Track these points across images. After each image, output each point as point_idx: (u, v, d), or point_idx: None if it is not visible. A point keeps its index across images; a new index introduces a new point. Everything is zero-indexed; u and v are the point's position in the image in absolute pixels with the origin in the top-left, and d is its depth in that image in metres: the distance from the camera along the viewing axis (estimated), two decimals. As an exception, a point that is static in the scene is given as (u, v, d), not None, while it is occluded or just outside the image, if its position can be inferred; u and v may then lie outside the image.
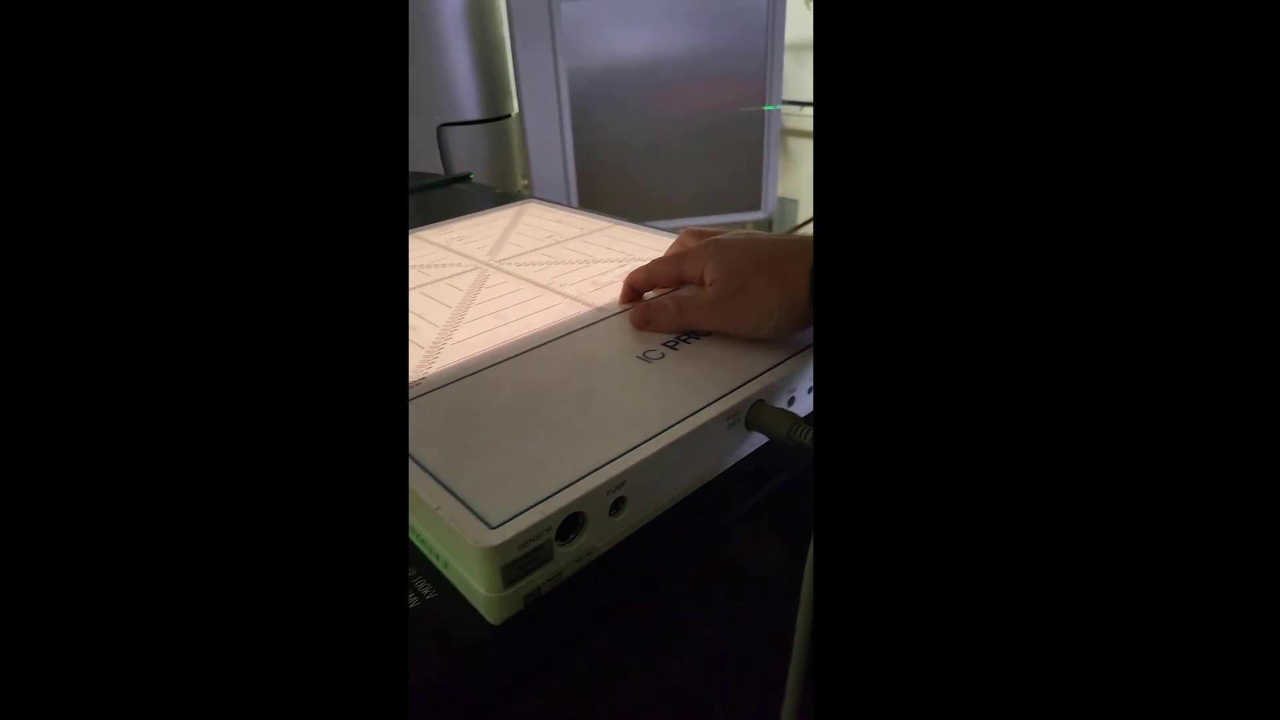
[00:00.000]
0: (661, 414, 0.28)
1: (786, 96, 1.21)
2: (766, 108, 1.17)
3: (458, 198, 0.77)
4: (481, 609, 0.23)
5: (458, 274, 0.47)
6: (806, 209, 2.34)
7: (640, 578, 0.25)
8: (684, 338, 0.34)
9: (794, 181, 1.99)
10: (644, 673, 0.22)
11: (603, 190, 1.16)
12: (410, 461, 0.26)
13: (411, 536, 0.27)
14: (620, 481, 0.25)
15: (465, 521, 0.23)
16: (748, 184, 1.25)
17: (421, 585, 0.25)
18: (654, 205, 1.19)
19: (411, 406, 0.29)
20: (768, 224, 1.38)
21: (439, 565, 0.25)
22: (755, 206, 1.27)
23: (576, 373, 0.31)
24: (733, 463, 0.30)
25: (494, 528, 0.22)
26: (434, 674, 0.22)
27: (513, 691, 0.21)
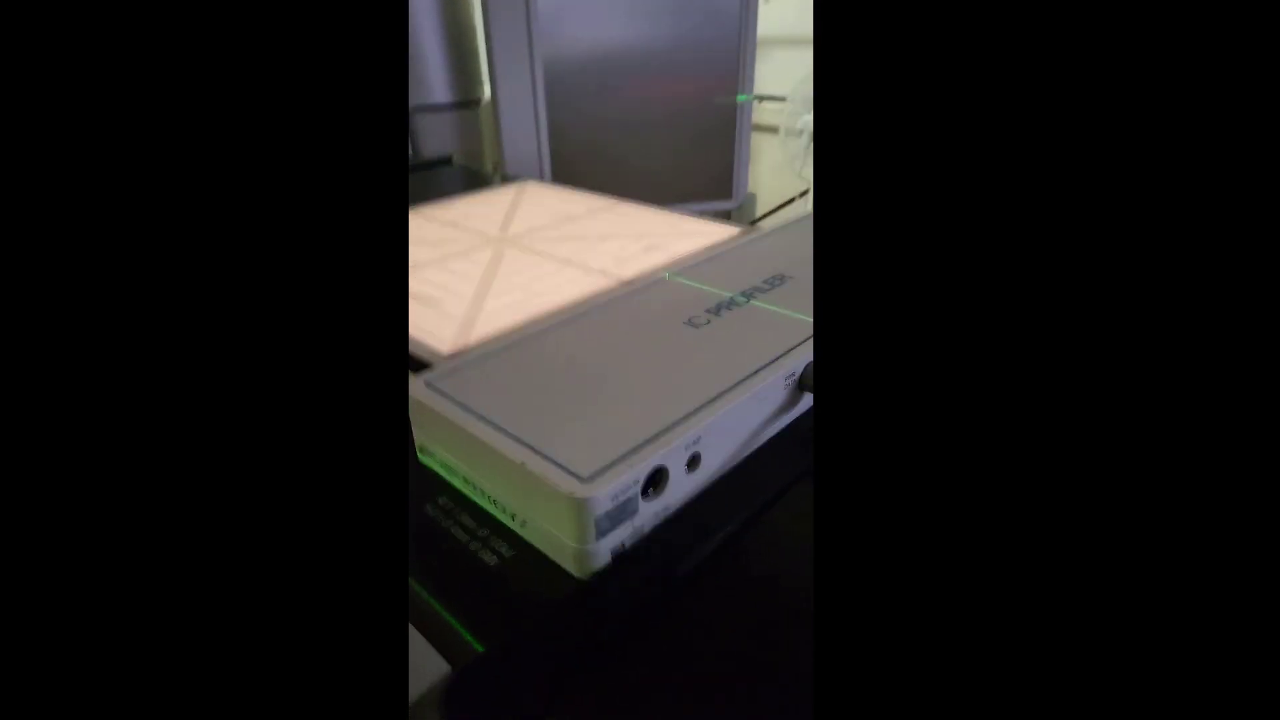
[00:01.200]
0: (727, 373, 0.28)
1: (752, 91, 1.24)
2: (740, 99, 1.18)
3: (443, 180, 0.75)
4: (569, 563, 0.23)
5: (472, 249, 0.46)
6: (765, 202, 2.37)
7: (712, 536, 0.25)
8: (726, 306, 0.34)
9: (751, 174, 2.01)
10: (732, 625, 0.22)
11: (576, 178, 1.16)
12: (481, 421, 0.25)
13: (478, 498, 0.26)
14: (696, 437, 0.25)
15: (556, 475, 0.23)
16: (719, 174, 1.27)
17: (498, 544, 0.25)
18: (627, 193, 1.19)
19: (468, 370, 0.29)
20: (739, 213, 1.40)
21: (514, 525, 0.25)
22: (726, 195, 1.28)
23: (629, 338, 0.31)
24: (787, 423, 0.31)
25: (586, 480, 0.22)
26: (526, 627, 0.22)
27: (608, 644, 0.22)
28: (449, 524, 0.26)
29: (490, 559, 0.24)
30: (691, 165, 1.24)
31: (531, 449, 0.24)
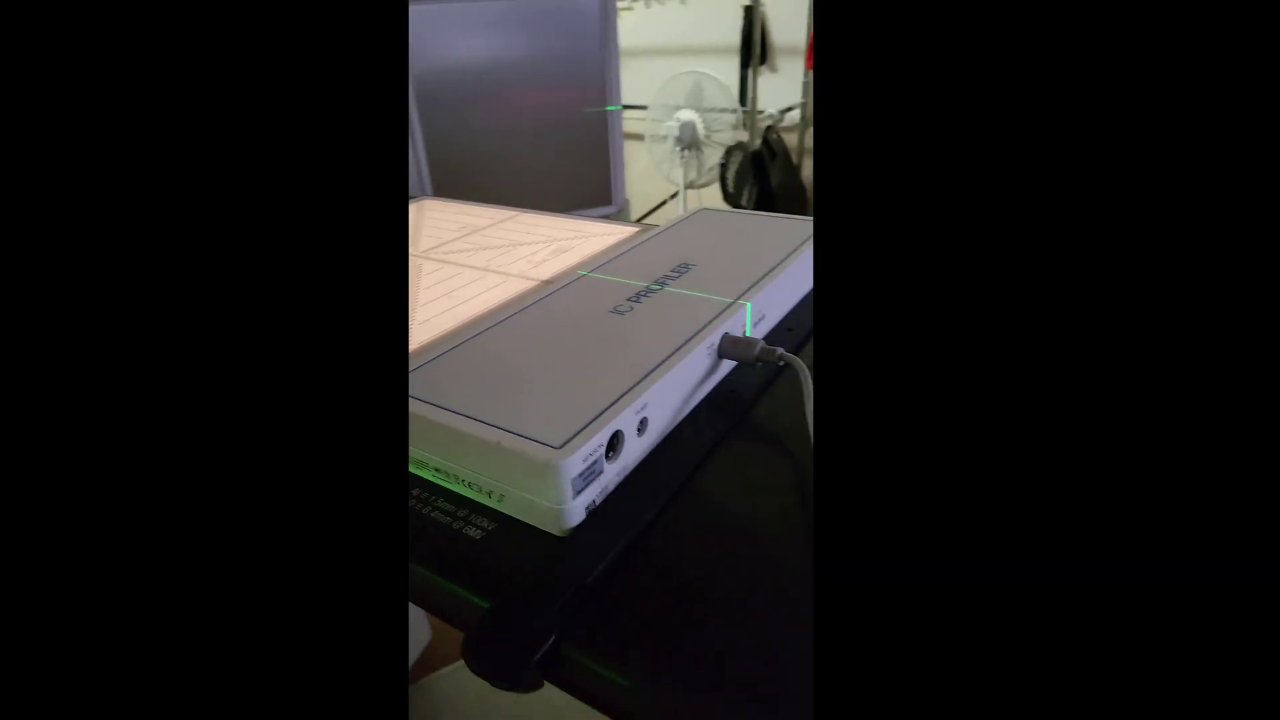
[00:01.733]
0: (658, 349, 0.32)
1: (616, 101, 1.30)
2: (609, 108, 1.23)
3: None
4: (549, 524, 0.26)
5: (388, 265, 0.47)
6: (638, 206, 2.46)
7: (667, 485, 0.29)
8: (643, 294, 0.38)
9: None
10: (692, 557, 0.26)
11: (458, 192, 1.16)
12: (451, 413, 0.28)
13: (451, 484, 0.29)
14: (644, 404, 0.29)
15: (531, 448, 0.26)
16: (597, 181, 1.31)
17: (479, 520, 0.28)
18: (510, 205, 1.21)
19: (423, 372, 0.31)
20: (617, 218, 1.45)
21: (491, 501, 0.28)
22: (606, 201, 1.33)
23: (564, 328, 0.35)
24: (710, 388, 0.35)
25: (559, 448, 0.26)
26: (523, 580, 0.25)
27: (594, 584, 0.25)
28: (428, 510, 0.28)
29: (475, 533, 0.27)
30: (569, 175, 1.28)
31: (504, 430, 0.27)
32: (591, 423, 0.27)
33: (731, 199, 2.12)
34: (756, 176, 2.07)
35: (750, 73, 2.13)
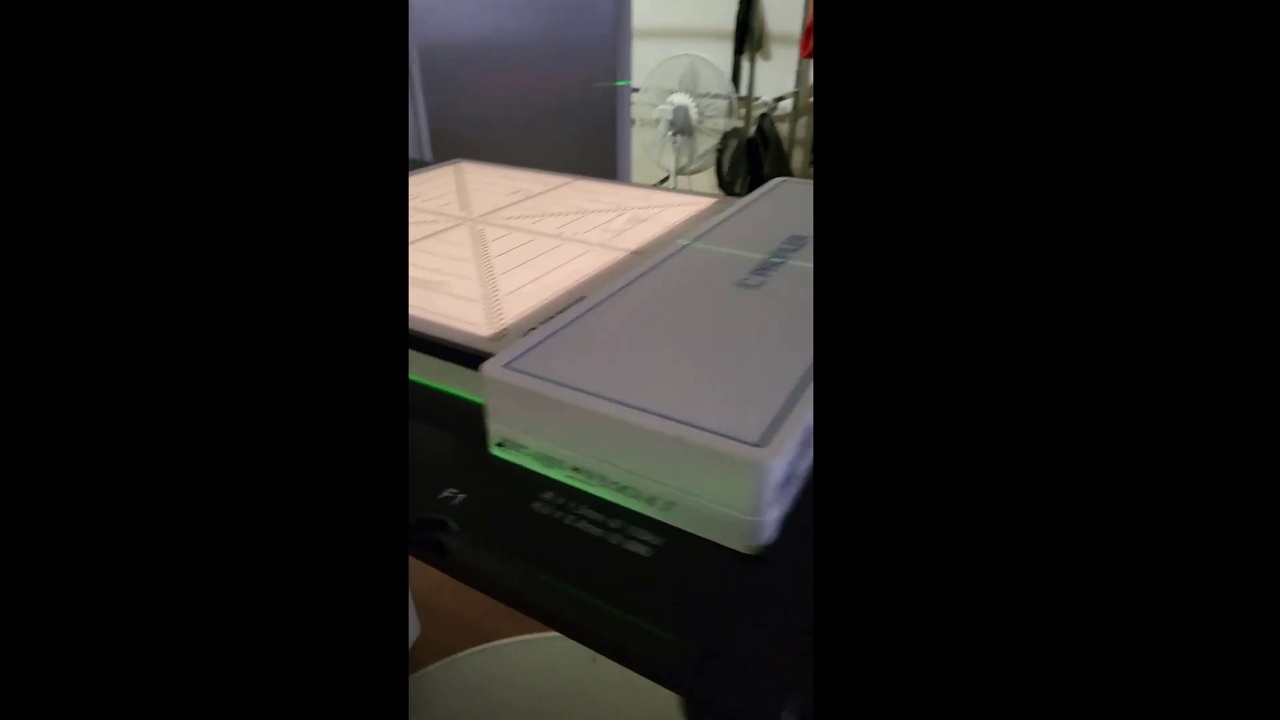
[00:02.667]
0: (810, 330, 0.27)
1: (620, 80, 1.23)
2: (618, 83, 1.18)
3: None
4: (736, 539, 0.21)
5: (444, 229, 0.41)
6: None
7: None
8: (765, 267, 0.33)
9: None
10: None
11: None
12: (600, 400, 0.22)
13: (594, 487, 0.23)
14: (827, 392, 0.24)
15: (724, 445, 0.20)
16: (604, 158, 1.25)
17: (639, 533, 0.22)
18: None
19: (545, 349, 0.25)
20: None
21: (653, 510, 0.22)
22: (611, 179, 1.27)
23: (692, 302, 0.29)
24: (863, 376, 0.30)
25: (762, 446, 0.20)
26: (728, 608, 0.19)
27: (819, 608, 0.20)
28: (570, 519, 0.23)
29: (640, 549, 0.22)
30: (576, 151, 1.21)
31: (682, 421, 0.21)
32: (783, 415, 0.22)
33: (726, 185, 2.07)
34: (750, 164, 2.03)
35: (747, 59, 2.08)
